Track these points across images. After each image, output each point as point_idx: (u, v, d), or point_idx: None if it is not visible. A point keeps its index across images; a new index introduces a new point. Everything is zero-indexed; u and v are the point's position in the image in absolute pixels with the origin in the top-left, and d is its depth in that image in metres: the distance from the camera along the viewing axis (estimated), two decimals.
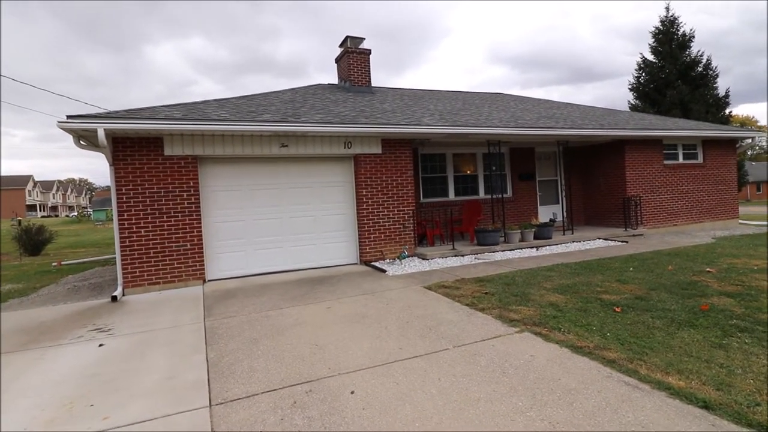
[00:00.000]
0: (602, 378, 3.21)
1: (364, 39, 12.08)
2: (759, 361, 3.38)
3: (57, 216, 77.49)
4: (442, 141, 10.19)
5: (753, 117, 56.34)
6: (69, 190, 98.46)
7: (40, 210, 77.87)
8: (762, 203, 40.11)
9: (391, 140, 8.97)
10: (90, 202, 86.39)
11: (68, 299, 6.88)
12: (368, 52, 12.18)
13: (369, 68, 12.23)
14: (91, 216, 58.65)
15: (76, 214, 68.15)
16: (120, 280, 7.01)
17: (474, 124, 9.59)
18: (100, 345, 4.50)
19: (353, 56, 11.98)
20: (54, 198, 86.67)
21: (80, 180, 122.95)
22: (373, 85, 12.49)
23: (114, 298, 6.59)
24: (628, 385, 3.07)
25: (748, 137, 13.86)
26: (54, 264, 11.48)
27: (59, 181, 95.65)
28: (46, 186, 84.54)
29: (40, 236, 14.85)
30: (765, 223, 13.72)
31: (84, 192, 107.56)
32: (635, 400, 2.88)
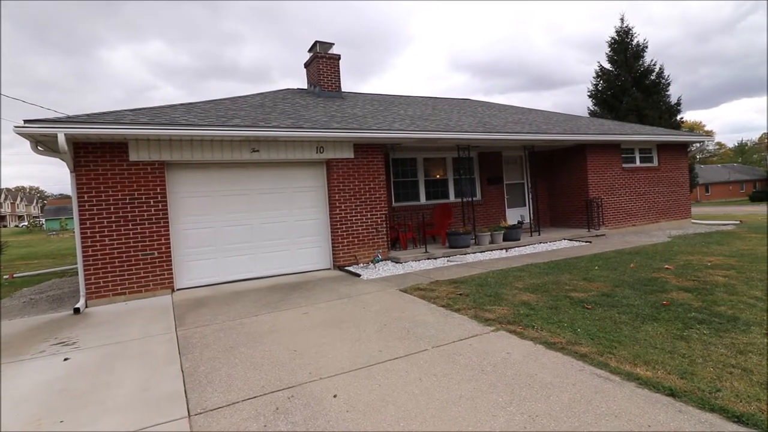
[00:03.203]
0: (576, 372, 3.34)
1: (334, 44, 12.10)
2: (717, 350, 3.61)
3: (6, 226, 72.95)
4: (413, 146, 10.32)
5: (700, 122, 59.99)
6: (19, 198, 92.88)
7: None
8: (710, 204, 42.56)
9: (363, 145, 9.00)
10: (42, 211, 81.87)
11: (25, 313, 6.52)
12: (338, 57, 12.19)
13: (339, 73, 12.24)
14: (44, 226, 55.71)
15: (26, 224, 64.49)
16: (83, 291, 6.70)
17: (444, 129, 9.77)
18: (65, 359, 4.29)
19: (323, 61, 11.97)
20: (2, 207, 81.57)
21: (31, 188, 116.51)
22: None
23: (77, 311, 6.30)
24: (600, 377, 3.22)
25: (698, 141, 14.79)
26: (6, 276, 10.83)
27: (8, 190, 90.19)
28: None
29: None
30: (716, 222, 14.60)
31: (35, 201, 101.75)
32: (607, 391, 3.01)
